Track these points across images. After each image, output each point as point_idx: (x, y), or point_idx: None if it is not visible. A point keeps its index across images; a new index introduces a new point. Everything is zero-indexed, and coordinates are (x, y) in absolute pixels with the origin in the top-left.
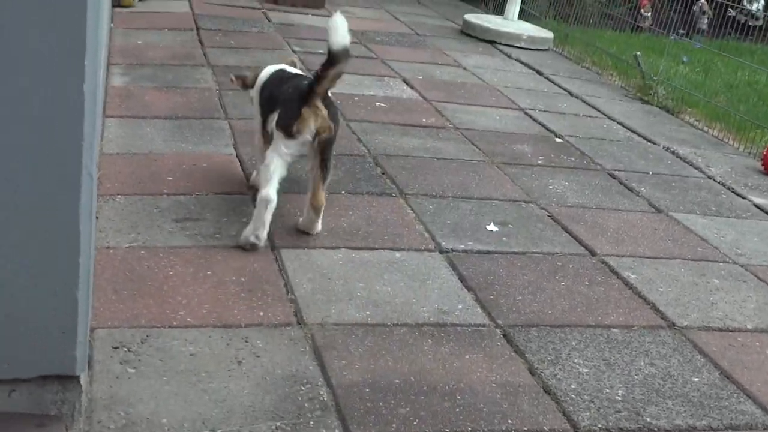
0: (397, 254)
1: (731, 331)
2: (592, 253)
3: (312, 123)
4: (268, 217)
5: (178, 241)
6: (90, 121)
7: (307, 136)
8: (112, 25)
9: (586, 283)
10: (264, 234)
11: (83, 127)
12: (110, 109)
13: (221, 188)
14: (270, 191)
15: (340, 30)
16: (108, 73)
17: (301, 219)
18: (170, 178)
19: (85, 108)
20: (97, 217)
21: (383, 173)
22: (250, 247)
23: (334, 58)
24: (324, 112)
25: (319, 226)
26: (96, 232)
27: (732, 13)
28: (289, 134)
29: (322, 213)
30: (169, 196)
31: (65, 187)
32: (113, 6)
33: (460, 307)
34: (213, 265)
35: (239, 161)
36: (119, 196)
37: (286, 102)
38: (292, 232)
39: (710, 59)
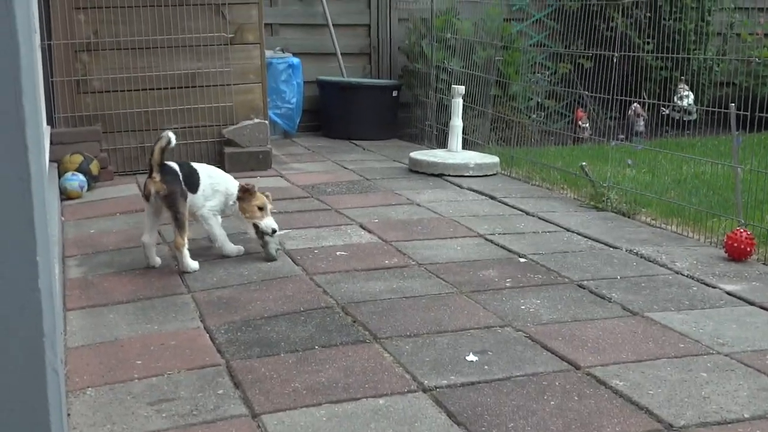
0: (381, 401)
1: (729, 422)
2: (576, 367)
3: (151, 187)
4: (150, 253)
5: (155, 425)
6: (49, 316)
7: (152, 198)
8: (63, 218)
9: (576, 398)
10: (154, 259)
11: (42, 324)
12: (70, 302)
13: (193, 363)
14: (145, 236)
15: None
16: (64, 267)
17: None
18: (139, 362)
19: (42, 303)
20: (69, 415)
21: (354, 321)
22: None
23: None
24: (158, 178)
25: (187, 263)
26: (69, 431)
27: (665, 111)
28: (145, 198)
29: (184, 252)
30: (140, 381)
31: (30, 391)
32: (61, 200)
33: None
34: None
35: (208, 333)
36: (89, 389)
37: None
38: (270, 396)
39: (654, 158)
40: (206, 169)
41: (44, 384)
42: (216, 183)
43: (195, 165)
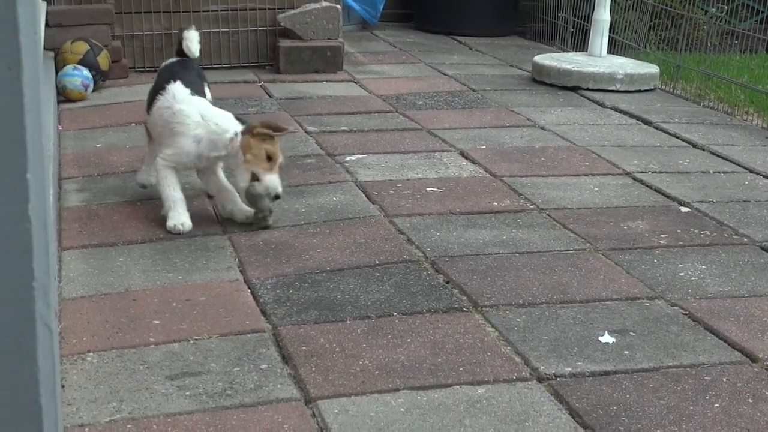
0: (480, 390)
1: None
2: (753, 359)
3: None
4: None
5: (176, 406)
6: (41, 254)
7: None
8: (60, 127)
9: (750, 401)
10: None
11: (33, 264)
12: (68, 239)
13: (228, 327)
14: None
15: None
16: (60, 192)
17: None
18: (157, 322)
19: (33, 237)
20: (63, 386)
21: (447, 281)
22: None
23: None
24: None
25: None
26: (63, 407)
27: None
28: None
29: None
30: (158, 346)
31: (14, 353)
32: (58, 102)
33: None
34: None
35: (249, 288)
36: (90, 354)
37: None
38: (330, 376)
39: None
40: (182, 90)
41: (33, 344)
42: (184, 117)
43: (177, 80)
